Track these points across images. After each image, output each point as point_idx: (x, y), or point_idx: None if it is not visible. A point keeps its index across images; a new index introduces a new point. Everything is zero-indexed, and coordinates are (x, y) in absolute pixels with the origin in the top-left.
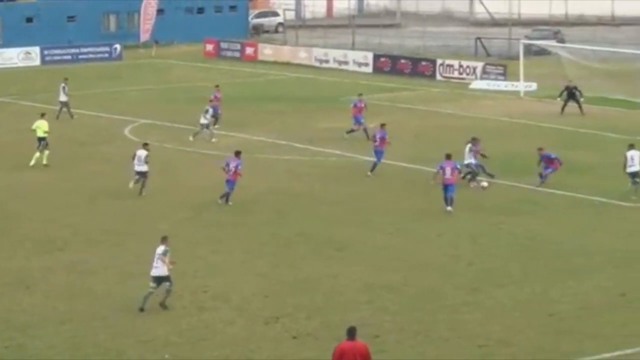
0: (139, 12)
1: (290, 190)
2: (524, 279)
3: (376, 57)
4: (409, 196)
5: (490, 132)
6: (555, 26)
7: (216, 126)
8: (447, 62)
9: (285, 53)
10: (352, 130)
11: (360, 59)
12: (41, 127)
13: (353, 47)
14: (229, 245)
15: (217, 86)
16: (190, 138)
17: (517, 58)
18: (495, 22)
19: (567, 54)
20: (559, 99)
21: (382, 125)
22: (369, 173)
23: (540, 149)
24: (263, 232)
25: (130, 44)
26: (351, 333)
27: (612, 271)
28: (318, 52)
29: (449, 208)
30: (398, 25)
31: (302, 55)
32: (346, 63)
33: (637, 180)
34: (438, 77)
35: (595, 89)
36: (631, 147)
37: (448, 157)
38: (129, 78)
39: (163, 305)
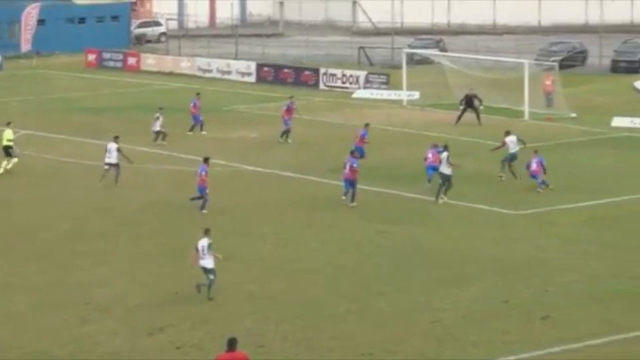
0: (19, 22)
1: (173, 200)
2: (407, 287)
3: (259, 67)
4: (293, 206)
5: (374, 141)
6: (437, 35)
7: (203, 132)
8: (330, 71)
9: (168, 63)
10: (286, 132)
11: (243, 69)
12: (6, 135)
13: (236, 57)
14: (111, 256)
15: (197, 94)
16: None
17: (400, 67)
18: (378, 31)
19: (450, 62)
20: (460, 107)
21: (366, 125)
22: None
23: (536, 152)
24: (147, 242)
25: (10, 55)
26: (231, 344)
27: (494, 279)
28: (201, 62)
29: (351, 204)
30: (281, 34)
31: (185, 65)
32: (229, 73)
33: (514, 163)
34: (321, 86)
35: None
36: (508, 133)
37: (352, 153)
38: (9, 89)
39: (202, 291)
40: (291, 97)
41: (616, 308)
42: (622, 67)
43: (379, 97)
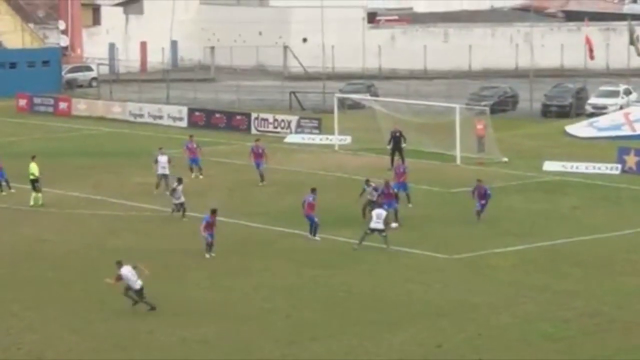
0: None
1: (104, 245)
2: (340, 332)
3: (191, 112)
4: (226, 250)
5: (306, 186)
6: (368, 80)
7: (200, 176)
8: (262, 116)
9: (99, 108)
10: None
11: (174, 114)
12: (31, 170)
13: (167, 102)
14: (43, 301)
15: (191, 136)
16: (155, 191)
17: (331, 112)
18: (309, 76)
19: (381, 107)
20: (388, 147)
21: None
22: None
23: (479, 181)
24: (77, 288)
25: None
26: None
27: (427, 323)
28: (132, 107)
29: (316, 238)
30: (212, 79)
31: (117, 110)
32: (161, 117)
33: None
34: (253, 130)
35: (410, 142)
36: (367, 182)
37: (313, 190)
38: None
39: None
40: (257, 139)
41: (549, 351)
42: (553, 112)
43: (310, 141)
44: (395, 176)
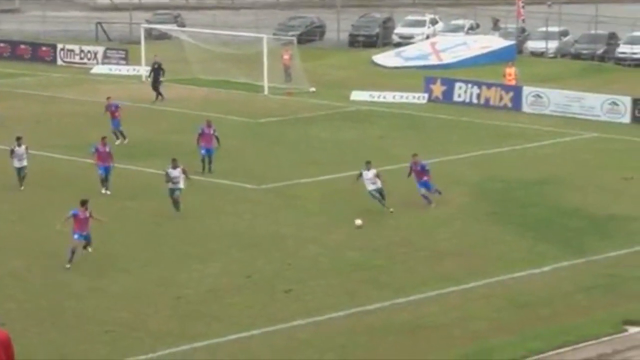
0: None
1: None
2: (150, 264)
3: None
4: (34, 183)
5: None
6: (175, 10)
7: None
8: (68, 47)
9: None
10: None
11: None
12: None
13: None
14: None
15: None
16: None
17: (138, 42)
18: (115, 7)
19: (188, 37)
20: (148, 79)
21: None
22: None
23: (414, 155)
24: None
25: None
26: None
27: (237, 254)
28: None
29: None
30: (17, 10)
31: None
32: None
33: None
34: (59, 62)
35: (218, 72)
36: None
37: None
38: None
39: None
40: None
41: (358, 280)
42: (360, 42)
43: (117, 72)
44: (110, 114)
